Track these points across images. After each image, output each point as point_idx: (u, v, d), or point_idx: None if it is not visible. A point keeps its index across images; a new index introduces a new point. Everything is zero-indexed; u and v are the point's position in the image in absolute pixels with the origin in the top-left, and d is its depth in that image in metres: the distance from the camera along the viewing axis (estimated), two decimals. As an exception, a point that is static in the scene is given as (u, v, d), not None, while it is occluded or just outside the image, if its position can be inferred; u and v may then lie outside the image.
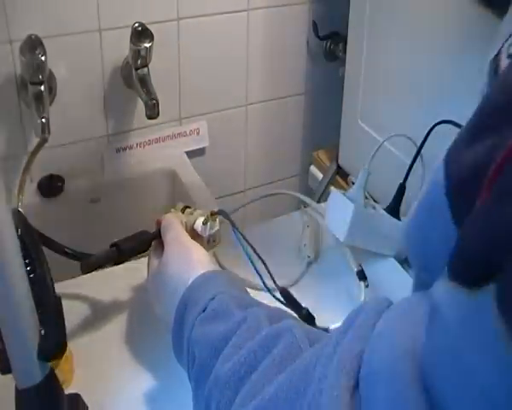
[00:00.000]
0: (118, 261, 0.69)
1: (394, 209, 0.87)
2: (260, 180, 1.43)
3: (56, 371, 0.51)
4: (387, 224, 0.84)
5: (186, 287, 0.58)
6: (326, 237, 0.87)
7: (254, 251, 0.68)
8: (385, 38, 0.96)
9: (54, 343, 0.47)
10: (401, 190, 0.87)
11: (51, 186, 1.11)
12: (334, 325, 0.68)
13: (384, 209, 0.87)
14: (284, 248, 0.85)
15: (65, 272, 0.79)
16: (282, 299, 0.68)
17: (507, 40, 0.39)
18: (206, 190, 1.19)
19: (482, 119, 0.32)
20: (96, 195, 1.16)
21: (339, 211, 0.80)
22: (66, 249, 0.69)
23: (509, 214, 0.25)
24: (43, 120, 0.97)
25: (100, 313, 0.74)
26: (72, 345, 0.67)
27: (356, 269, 0.78)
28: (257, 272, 0.66)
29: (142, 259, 0.71)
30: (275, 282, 0.68)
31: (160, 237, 0.68)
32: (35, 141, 1.04)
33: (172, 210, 0.74)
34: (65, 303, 0.52)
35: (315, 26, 1.29)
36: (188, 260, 0.62)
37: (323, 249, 0.86)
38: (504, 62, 0.38)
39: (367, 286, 0.76)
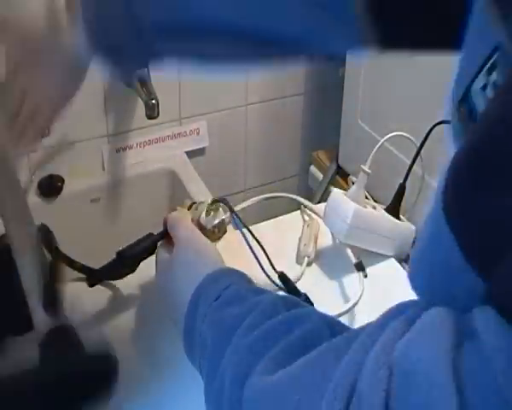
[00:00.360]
0: (124, 270, 0.69)
1: (394, 209, 0.87)
2: (260, 180, 1.43)
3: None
4: (387, 224, 0.84)
5: (198, 283, 0.57)
6: (325, 237, 0.87)
7: (253, 236, 0.68)
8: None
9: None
10: (401, 190, 0.87)
11: (51, 186, 1.11)
12: (334, 313, 0.69)
13: (384, 209, 0.87)
14: (284, 249, 0.85)
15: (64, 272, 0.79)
16: (280, 284, 0.68)
17: (473, 81, 0.35)
18: (206, 190, 1.19)
19: (482, 165, 0.30)
20: (96, 195, 1.16)
21: (339, 211, 0.80)
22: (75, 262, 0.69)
23: None
24: (44, 120, 0.97)
25: (107, 312, 0.74)
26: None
27: (354, 261, 0.78)
28: (255, 256, 0.66)
29: (151, 258, 0.71)
30: (273, 266, 0.67)
31: (167, 235, 0.68)
32: (35, 141, 1.05)
33: (178, 208, 0.74)
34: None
35: (315, 26, 1.29)
36: (200, 257, 0.61)
37: (323, 249, 0.86)
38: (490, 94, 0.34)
39: (365, 276, 0.77)
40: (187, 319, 0.56)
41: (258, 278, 0.65)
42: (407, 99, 0.93)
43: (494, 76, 0.33)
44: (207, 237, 0.71)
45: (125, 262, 0.68)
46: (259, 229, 0.88)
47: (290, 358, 0.41)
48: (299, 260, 0.84)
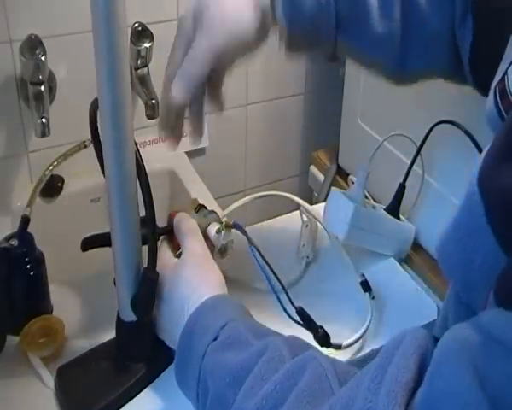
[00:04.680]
0: None
1: (394, 209, 0.87)
2: (260, 180, 1.43)
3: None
4: (387, 224, 0.84)
5: (194, 308, 0.56)
6: (325, 237, 0.87)
7: (270, 268, 0.66)
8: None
9: (134, 307, 0.61)
10: (401, 189, 0.87)
11: (51, 186, 1.11)
12: (347, 341, 0.69)
13: (384, 209, 0.87)
14: (283, 249, 0.85)
15: (65, 272, 0.79)
16: (297, 318, 0.67)
17: (510, 65, 0.40)
18: (206, 190, 1.19)
19: None
20: (96, 195, 1.16)
21: (339, 211, 0.80)
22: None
23: None
24: (43, 120, 0.97)
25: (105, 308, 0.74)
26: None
27: (359, 280, 0.77)
28: (273, 289, 0.65)
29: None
30: (291, 301, 0.67)
31: (170, 232, 0.67)
32: (35, 141, 1.04)
33: (185, 209, 0.72)
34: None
35: (315, 26, 1.29)
36: (203, 276, 0.61)
37: (322, 249, 0.86)
38: None
39: (373, 298, 0.75)
40: (181, 343, 0.55)
41: (275, 312, 0.65)
42: (407, 99, 0.92)
43: None
44: (212, 251, 0.70)
45: None
46: (259, 229, 0.88)
47: None
48: (298, 261, 0.84)
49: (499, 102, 0.40)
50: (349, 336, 0.70)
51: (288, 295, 0.67)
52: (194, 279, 0.60)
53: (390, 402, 0.32)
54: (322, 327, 0.66)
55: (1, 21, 0.98)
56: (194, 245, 0.64)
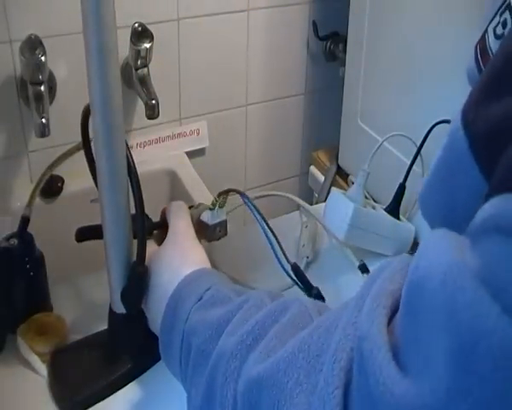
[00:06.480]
0: None
1: (394, 209, 0.87)
2: (260, 180, 1.43)
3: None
4: (387, 224, 0.84)
5: (179, 281, 0.56)
6: (325, 237, 0.87)
7: (266, 224, 0.66)
8: (385, 38, 0.96)
9: (124, 300, 0.62)
10: (401, 190, 0.87)
11: (51, 186, 1.11)
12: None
13: (384, 209, 0.87)
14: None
15: (65, 272, 0.79)
16: (292, 275, 0.67)
17: (490, 23, 0.40)
18: (206, 190, 1.19)
19: (500, 75, 0.32)
20: (96, 195, 1.16)
21: (338, 211, 0.80)
22: None
23: None
24: (43, 120, 0.97)
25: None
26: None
27: (358, 263, 0.78)
28: (270, 242, 0.65)
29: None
30: (286, 256, 0.67)
31: (163, 227, 0.67)
32: (35, 141, 1.04)
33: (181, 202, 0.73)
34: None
35: (315, 26, 1.29)
36: (184, 255, 0.60)
37: (322, 250, 0.86)
38: (493, 44, 0.39)
39: None
40: (166, 316, 0.55)
41: (270, 268, 0.64)
42: (407, 99, 0.92)
43: (505, 15, 0.39)
44: (207, 235, 0.70)
45: None
46: (259, 229, 0.88)
47: (281, 343, 0.41)
48: (298, 261, 0.83)
49: (480, 59, 0.40)
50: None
51: (282, 249, 0.67)
52: (174, 261, 0.60)
53: (374, 302, 0.32)
54: (317, 288, 0.67)
55: (1, 21, 0.98)
56: (176, 226, 0.64)
